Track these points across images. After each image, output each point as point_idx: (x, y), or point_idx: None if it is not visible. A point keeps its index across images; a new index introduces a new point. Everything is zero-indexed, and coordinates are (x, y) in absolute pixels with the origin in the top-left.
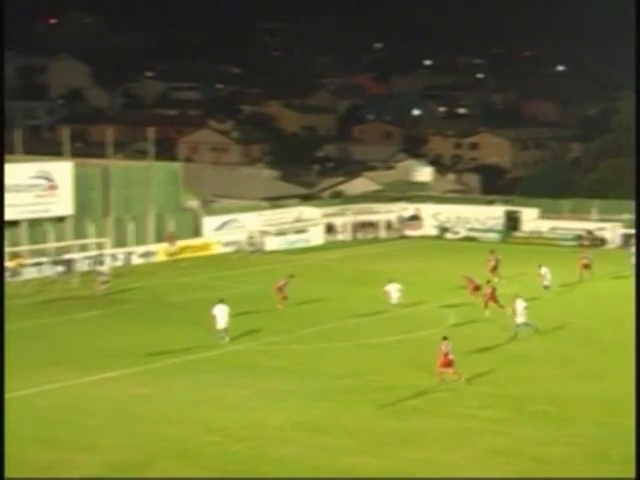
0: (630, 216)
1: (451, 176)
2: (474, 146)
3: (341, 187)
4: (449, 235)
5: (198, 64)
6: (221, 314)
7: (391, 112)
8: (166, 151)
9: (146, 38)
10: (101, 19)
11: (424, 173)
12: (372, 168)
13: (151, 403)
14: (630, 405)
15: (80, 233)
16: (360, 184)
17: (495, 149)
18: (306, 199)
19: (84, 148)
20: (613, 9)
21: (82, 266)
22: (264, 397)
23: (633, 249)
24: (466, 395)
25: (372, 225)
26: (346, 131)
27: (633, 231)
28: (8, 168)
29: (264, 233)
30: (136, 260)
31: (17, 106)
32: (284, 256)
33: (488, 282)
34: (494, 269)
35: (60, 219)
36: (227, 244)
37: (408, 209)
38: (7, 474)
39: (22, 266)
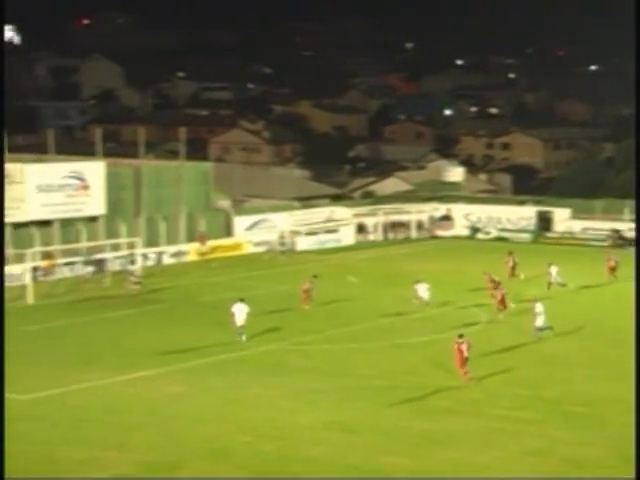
0: None
1: (483, 176)
2: (506, 146)
3: (372, 187)
4: (480, 235)
5: (229, 64)
6: (240, 312)
7: (422, 112)
8: (197, 151)
9: (178, 38)
10: (134, 19)
11: (455, 173)
12: (403, 168)
13: (183, 402)
14: None
15: (112, 233)
16: (391, 184)
17: (527, 149)
18: (337, 199)
19: (116, 148)
20: None
21: (114, 266)
22: (296, 397)
23: None
24: (498, 396)
25: (403, 225)
26: (377, 131)
27: None
28: (41, 168)
29: (295, 233)
30: (167, 260)
31: (50, 106)
32: (315, 256)
33: (499, 284)
34: (512, 270)
35: (92, 219)
36: (258, 244)
37: (439, 209)
38: (40, 472)
39: (55, 266)
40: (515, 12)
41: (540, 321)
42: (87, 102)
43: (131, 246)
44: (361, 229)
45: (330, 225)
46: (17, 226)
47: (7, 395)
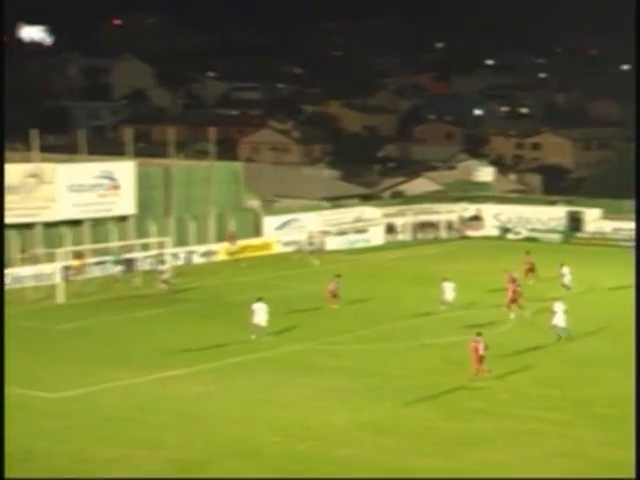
0: None
1: (513, 176)
2: (536, 146)
3: (402, 187)
4: (510, 236)
5: (259, 64)
6: (260, 312)
7: (452, 112)
8: (227, 151)
9: (208, 39)
10: (164, 20)
11: (485, 173)
12: (433, 168)
13: (212, 402)
14: None
15: (142, 232)
16: (421, 184)
17: (557, 149)
18: (366, 199)
19: (146, 148)
20: None
21: (144, 265)
22: (326, 397)
23: None
24: (527, 397)
25: (433, 225)
26: (407, 131)
27: None
28: (72, 168)
29: (324, 233)
30: (197, 259)
31: (81, 106)
32: (344, 256)
33: (514, 281)
34: (529, 271)
35: (122, 218)
36: (287, 244)
37: (469, 209)
38: (70, 471)
39: (85, 265)
40: (546, 11)
41: (559, 320)
42: (118, 102)
43: (161, 246)
44: (390, 229)
45: (359, 225)
46: (48, 226)
47: (37, 393)
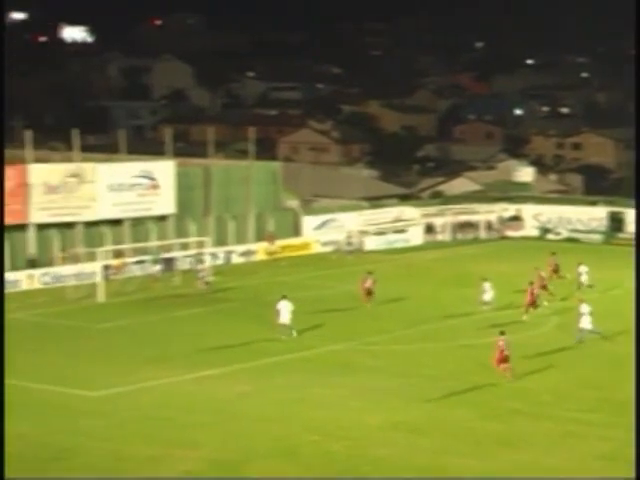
0: None
1: (553, 176)
2: (577, 146)
3: (441, 187)
4: (550, 236)
5: (298, 64)
6: (284, 310)
7: (492, 112)
8: (266, 151)
9: (247, 39)
10: (204, 20)
11: (525, 173)
12: (472, 168)
13: (250, 401)
14: None
15: (181, 232)
16: (460, 184)
17: (598, 149)
18: (405, 199)
19: (186, 148)
20: None
21: (183, 264)
22: (363, 397)
23: None
24: (567, 398)
25: (472, 225)
26: (446, 131)
27: None
28: (112, 167)
29: (363, 233)
30: (236, 259)
31: (121, 106)
32: (383, 256)
33: (531, 283)
34: (554, 272)
35: (162, 218)
36: (326, 243)
37: (509, 209)
38: (109, 469)
39: (125, 264)
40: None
41: (586, 322)
42: (158, 102)
43: (200, 245)
44: (429, 229)
45: (398, 225)
46: (88, 225)
47: (77, 392)
